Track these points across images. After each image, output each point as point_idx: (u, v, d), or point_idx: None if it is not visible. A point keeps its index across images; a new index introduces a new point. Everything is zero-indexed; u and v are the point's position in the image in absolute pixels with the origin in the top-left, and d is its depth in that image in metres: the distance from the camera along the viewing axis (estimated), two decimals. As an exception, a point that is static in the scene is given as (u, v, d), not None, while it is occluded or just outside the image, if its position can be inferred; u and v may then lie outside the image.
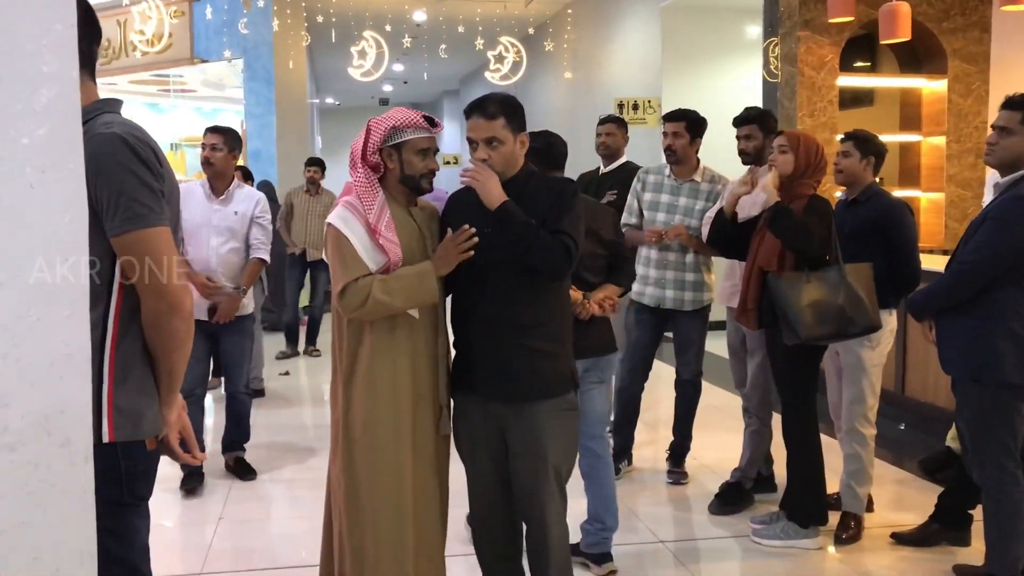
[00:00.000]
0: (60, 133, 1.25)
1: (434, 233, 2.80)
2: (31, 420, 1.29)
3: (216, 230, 4.46)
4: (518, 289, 2.68)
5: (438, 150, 2.78)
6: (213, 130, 4.57)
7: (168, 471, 4.11)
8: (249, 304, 4.63)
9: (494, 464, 2.80)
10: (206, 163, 4.50)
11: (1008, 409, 3.09)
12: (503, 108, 2.68)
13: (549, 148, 3.40)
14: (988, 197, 4.46)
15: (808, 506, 3.75)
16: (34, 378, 1.29)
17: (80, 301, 1.33)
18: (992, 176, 4.56)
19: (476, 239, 2.65)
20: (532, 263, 2.64)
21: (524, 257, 2.63)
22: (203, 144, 4.51)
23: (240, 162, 12.47)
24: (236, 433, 4.84)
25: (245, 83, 11.63)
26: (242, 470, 4.76)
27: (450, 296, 2.87)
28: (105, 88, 13.38)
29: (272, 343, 8.22)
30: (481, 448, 2.81)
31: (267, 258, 4.65)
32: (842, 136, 4.01)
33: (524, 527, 2.87)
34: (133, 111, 13.66)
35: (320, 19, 11.63)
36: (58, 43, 1.22)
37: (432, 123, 2.72)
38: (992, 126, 3.16)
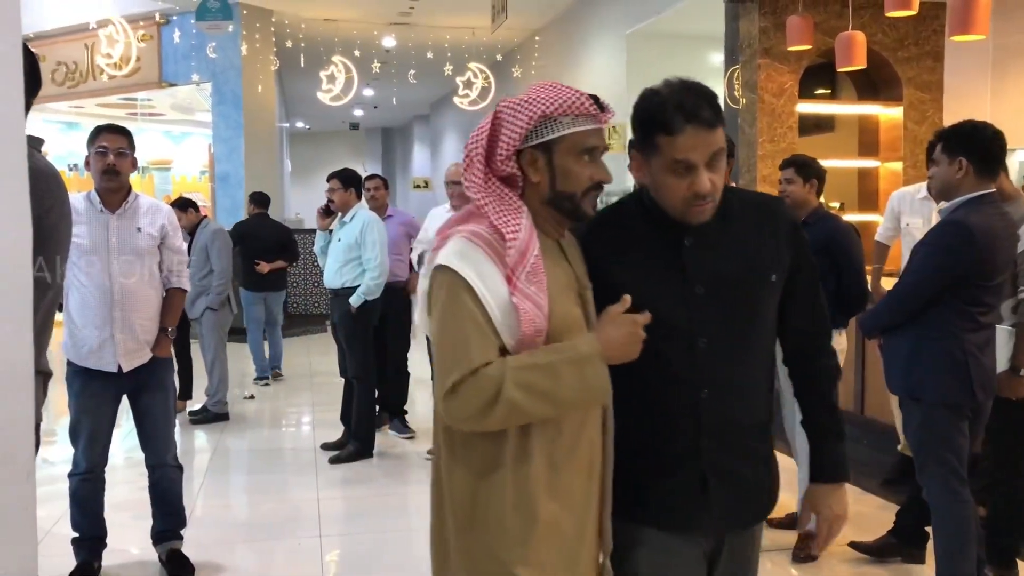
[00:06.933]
0: (5, 154, 1.27)
1: (583, 279, 1.82)
2: (-27, 437, 1.30)
3: (116, 253, 3.53)
4: (747, 367, 1.85)
5: (607, 149, 1.84)
6: (112, 130, 3.56)
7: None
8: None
9: None
10: (110, 172, 3.51)
11: (947, 427, 3.15)
12: (719, 111, 1.76)
13: None
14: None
15: None
16: (-23, 394, 1.30)
17: (24, 317, 1.34)
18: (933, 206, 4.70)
19: (648, 316, 1.70)
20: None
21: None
22: (101, 148, 3.52)
23: (204, 187, 12.40)
24: (168, 519, 3.82)
25: (213, 107, 11.65)
26: (177, 566, 3.76)
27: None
28: (72, 112, 13.36)
29: (237, 366, 8.17)
30: None
31: (187, 287, 3.83)
32: (781, 163, 4.10)
33: None
34: (100, 134, 13.63)
35: (289, 44, 11.70)
36: (3, 64, 1.24)
37: (601, 107, 1.76)
38: None
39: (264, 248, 7.86)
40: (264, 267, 7.80)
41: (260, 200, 8.26)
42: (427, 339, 5.38)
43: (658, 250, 1.82)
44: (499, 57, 12.44)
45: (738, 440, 1.84)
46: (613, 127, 9.84)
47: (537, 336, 1.65)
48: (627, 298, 1.69)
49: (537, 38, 12.73)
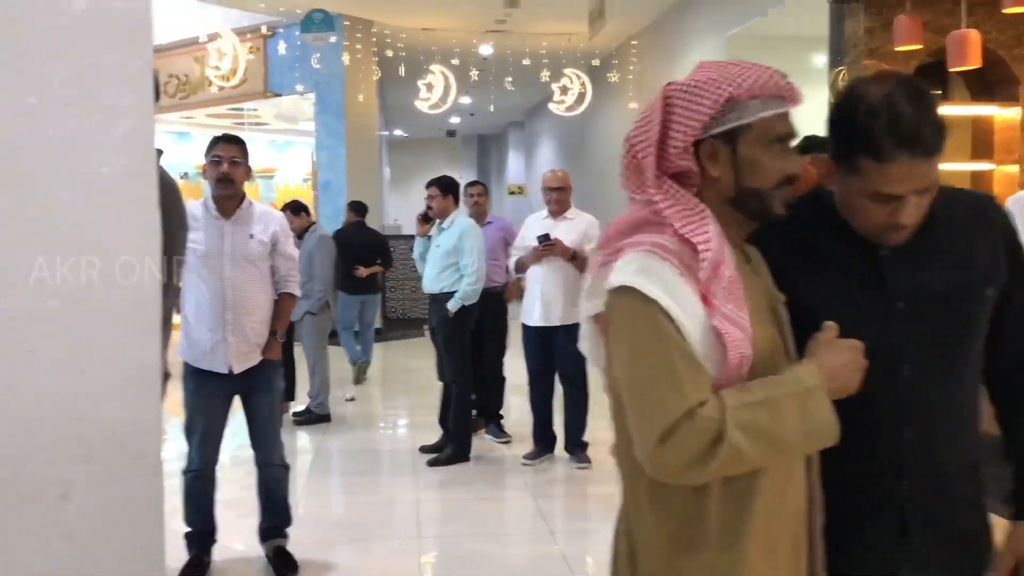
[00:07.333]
0: (137, 164, 1.34)
1: (775, 291, 1.55)
2: (106, 434, 1.37)
3: (229, 258, 3.67)
4: (956, 397, 1.59)
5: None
6: (227, 140, 3.75)
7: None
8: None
9: None
10: (225, 180, 3.66)
11: None
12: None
13: None
14: None
15: None
16: (109, 394, 1.37)
17: (152, 320, 1.40)
18: None
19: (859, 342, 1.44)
20: None
21: None
22: (216, 157, 3.68)
23: (306, 194, 12.75)
24: (275, 517, 3.94)
25: (316, 116, 11.95)
26: (283, 563, 3.88)
27: None
28: (183, 122, 13.91)
29: (338, 367, 8.35)
30: None
31: (297, 292, 3.93)
32: None
33: None
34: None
35: (389, 53, 11.92)
36: (136, 79, 1.31)
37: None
38: None
39: (361, 255, 8.16)
40: (363, 272, 8.06)
41: (358, 209, 8.67)
42: (527, 350, 5.47)
43: (849, 261, 1.56)
44: (595, 62, 12.40)
45: (944, 485, 1.58)
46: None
47: (743, 365, 1.37)
48: (834, 325, 1.43)
49: (634, 42, 12.64)
